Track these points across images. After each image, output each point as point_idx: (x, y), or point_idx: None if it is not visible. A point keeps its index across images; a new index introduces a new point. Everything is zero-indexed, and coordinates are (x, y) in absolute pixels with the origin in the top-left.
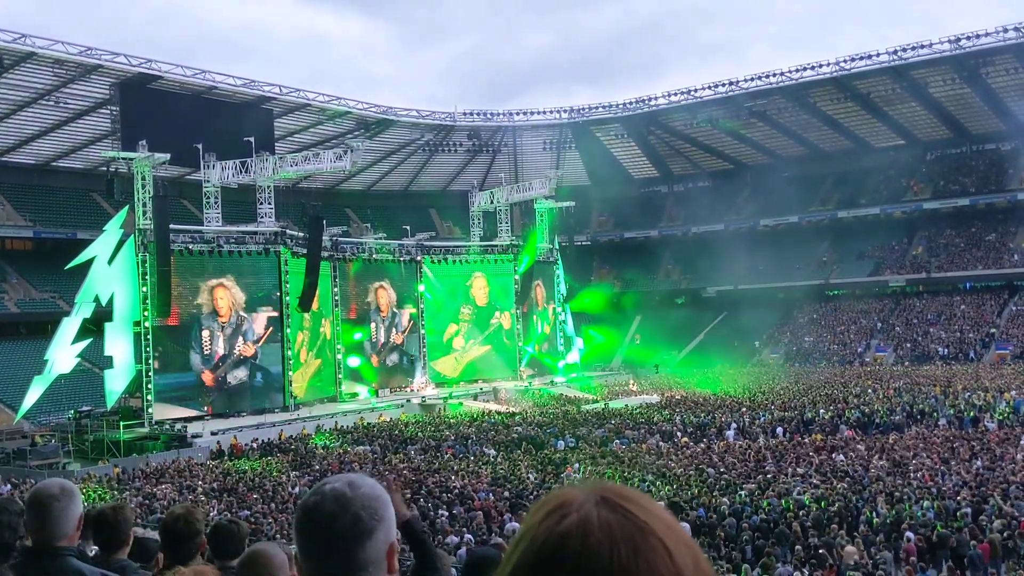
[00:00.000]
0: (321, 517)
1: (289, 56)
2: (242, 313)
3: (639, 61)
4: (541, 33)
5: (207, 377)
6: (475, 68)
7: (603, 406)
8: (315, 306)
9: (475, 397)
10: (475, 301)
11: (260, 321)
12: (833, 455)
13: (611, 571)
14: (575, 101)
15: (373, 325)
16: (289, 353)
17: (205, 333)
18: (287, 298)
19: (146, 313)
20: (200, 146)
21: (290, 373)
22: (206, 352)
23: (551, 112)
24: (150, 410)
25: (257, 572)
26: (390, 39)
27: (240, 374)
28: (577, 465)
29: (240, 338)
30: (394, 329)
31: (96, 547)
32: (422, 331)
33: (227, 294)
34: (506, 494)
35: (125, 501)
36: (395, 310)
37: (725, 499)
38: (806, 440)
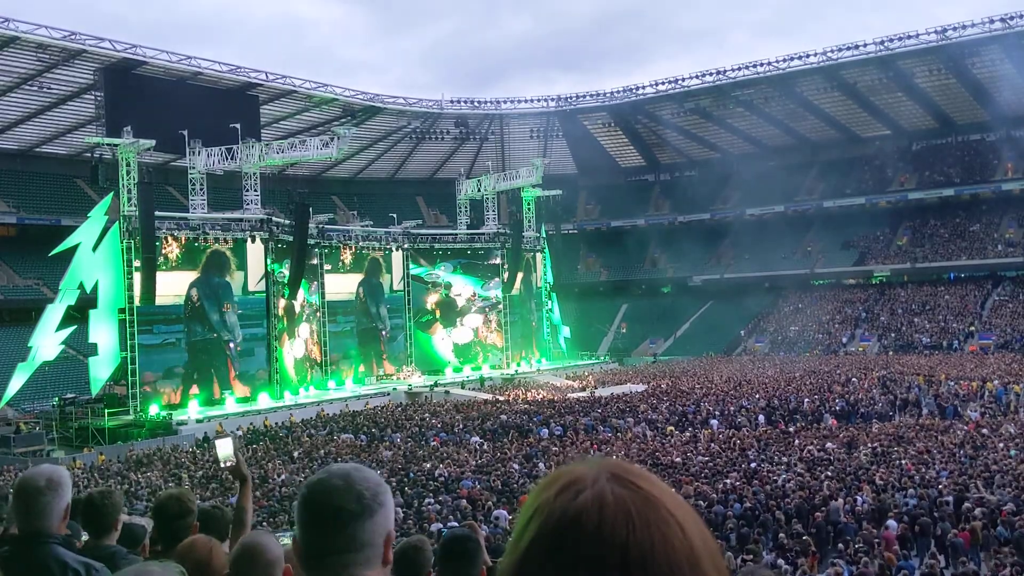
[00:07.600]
0: (325, 491)
1: (265, 41)
2: None
3: (620, 47)
4: (521, 18)
5: None
6: (454, 54)
7: (589, 394)
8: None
9: (463, 386)
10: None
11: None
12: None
13: (628, 545)
14: (556, 87)
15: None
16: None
17: None
18: (276, 287)
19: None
20: (185, 132)
21: (275, 356)
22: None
23: (538, 100)
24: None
25: (253, 565)
26: (367, 24)
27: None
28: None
29: None
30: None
31: (85, 533)
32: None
33: None
34: (493, 482)
35: (112, 487)
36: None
37: (710, 487)
38: (791, 429)
